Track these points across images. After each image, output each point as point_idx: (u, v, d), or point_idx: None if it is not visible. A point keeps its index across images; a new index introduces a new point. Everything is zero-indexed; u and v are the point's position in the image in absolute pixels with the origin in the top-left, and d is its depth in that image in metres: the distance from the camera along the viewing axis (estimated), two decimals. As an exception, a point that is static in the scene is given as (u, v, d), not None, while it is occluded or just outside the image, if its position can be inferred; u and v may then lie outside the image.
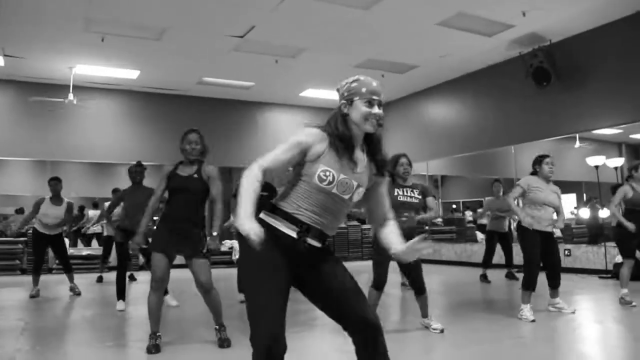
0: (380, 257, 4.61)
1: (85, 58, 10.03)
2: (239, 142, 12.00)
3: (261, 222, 2.16)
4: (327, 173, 2.16)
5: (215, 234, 4.21)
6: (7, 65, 10.25)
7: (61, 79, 10.79)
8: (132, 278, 9.19)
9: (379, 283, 4.70)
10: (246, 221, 1.94)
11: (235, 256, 10.38)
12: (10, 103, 11.35)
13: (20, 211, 13.63)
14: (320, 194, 2.19)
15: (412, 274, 4.76)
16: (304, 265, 2.21)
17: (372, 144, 2.30)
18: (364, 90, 2.22)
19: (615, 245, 6.73)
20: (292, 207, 2.20)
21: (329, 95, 11.79)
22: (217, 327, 4.35)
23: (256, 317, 2.09)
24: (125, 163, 12.83)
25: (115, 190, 9.22)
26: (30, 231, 10.55)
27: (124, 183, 9.90)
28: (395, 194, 4.76)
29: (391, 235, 2.33)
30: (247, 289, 2.22)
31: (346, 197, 2.21)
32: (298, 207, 2.19)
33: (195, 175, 4.28)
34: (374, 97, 2.21)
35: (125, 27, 8.58)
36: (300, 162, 2.20)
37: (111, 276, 9.58)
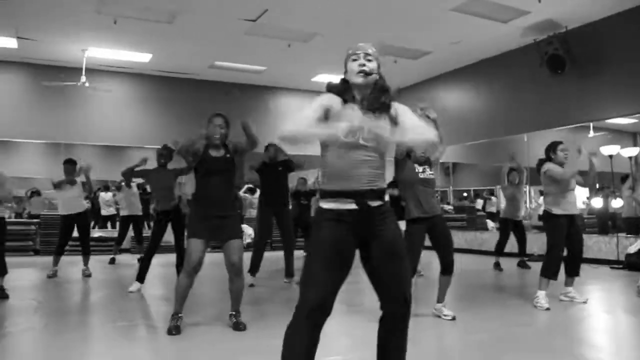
0: (413, 244, 4.56)
1: (98, 41, 10.04)
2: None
3: (321, 210, 2.35)
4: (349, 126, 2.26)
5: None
6: (20, 48, 10.28)
7: (74, 61, 10.81)
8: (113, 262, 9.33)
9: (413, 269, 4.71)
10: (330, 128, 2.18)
11: (247, 240, 10.45)
12: (23, 85, 11.39)
13: (36, 193, 13.74)
14: (350, 153, 2.28)
15: (443, 251, 4.67)
16: (368, 233, 2.32)
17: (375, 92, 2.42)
18: (350, 51, 2.43)
19: (627, 235, 6.68)
20: (334, 183, 2.32)
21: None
22: (233, 312, 4.36)
23: (306, 284, 2.27)
24: (136, 146, 12.95)
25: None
26: (44, 213, 10.78)
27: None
28: (416, 170, 4.73)
29: None
30: (306, 259, 2.34)
31: (370, 144, 2.29)
32: (338, 177, 2.32)
33: (228, 155, 4.30)
34: (357, 52, 2.41)
35: (137, 10, 8.57)
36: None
37: (123, 258, 9.69)
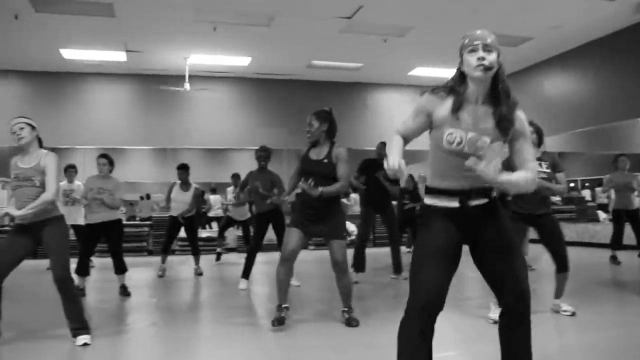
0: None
1: (199, 48, 10.42)
2: (350, 124, 11.95)
3: (428, 207, 2.33)
4: (454, 135, 2.22)
5: (320, 189, 4.13)
6: (128, 60, 10.87)
7: (177, 69, 11.28)
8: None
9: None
10: (392, 156, 2.18)
11: (350, 237, 10.42)
12: (131, 95, 12.08)
13: (146, 197, 14.49)
14: (455, 157, 2.23)
15: (556, 247, 4.45)
16: (474, 230, 2.29)
17: (498, 96, 2.28)
18: (467, 41, 2.26)
19: None
20: (440, 180, 2.30)
21: (439, 73, 11.52)
22: (346, 309, 4.38)
23: (417, 280, 2.23)
24: (237, 148, 13.32)
25: (234, 176, 9.49)
26: (155, 215, 11.31)
27: (238, 168, 10.31)
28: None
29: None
30: (414, 255, 2.31)
31: (480, 153, 2.19)
32: (443, 176, 2.29)
33: (325, 160, 4.27)
34: (476, 42, 2.23)
35: (235, 15, 8.80)
36: (429, 128, 2.33)
37: (229, 257, 9.99)
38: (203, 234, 11.84)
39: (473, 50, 2.22)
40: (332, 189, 4.16)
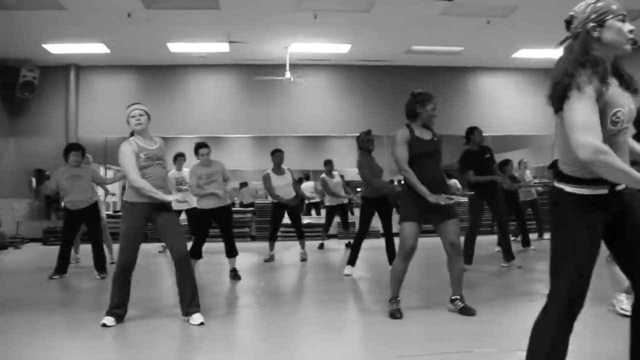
0: None
1: (299, 36, 10.50)
2: (450, 109, 11.65)
3: (570, 196, 2.12)
4: (619, 113, 2.03)
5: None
6: (231, 51, 11.14)
7: (278, 58, 11.42)
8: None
9: None
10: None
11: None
12: (234, 85, 12.44)
13: (244, 185, 14.94)
14: (613, 138, 2.05)
15: None
16: (619, 216, 2.15)
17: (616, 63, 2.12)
18: (614, 7, 2.05)
19: None
20: (587, 170, 2.03)
21: (545, 54, 11.02)
22: (458, 297, 4.25)
23: (565, 274, 2.10)
24: (336, 136, 13.40)
25: (328, 162, 9.50)
26: (257, 202, 11.61)
27: (333, 155, 10.38)
28: None
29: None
30: (561, 248, 2.16)
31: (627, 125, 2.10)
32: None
33: (435, 139, 4.29)
34: (623, 12, 2.04)
35: (335, 2, 8.79)
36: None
37: (330, 244, 10.08)
38: (304, 220, 12.03)
39: (623, 21, 2.04)
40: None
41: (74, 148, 6.69)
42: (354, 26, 9.88)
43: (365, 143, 6.42)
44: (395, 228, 5.28)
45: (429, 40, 10.91)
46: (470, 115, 11.68)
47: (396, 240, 4.62)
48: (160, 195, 4.00)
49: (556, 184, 2.18)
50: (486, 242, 8.17)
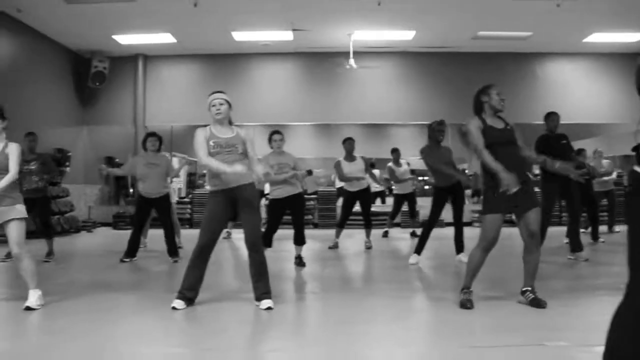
0: None
1: (363, 24, 10.44)
2: (518, 97, 11.29)
3: None
4: None
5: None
6: (295, 39, 11.19)
7: (341, 46, 11.39)
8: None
9: None
10: None
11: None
12: (297, 73, 12.52)
13: (308, 173, 14.96)
14: None
15: None
16: None
17: None
18: None
19: None
20: None
21: (619, 38, 10.57)
22: (529, 289, 4.13)
23: None
24: (400, 124, 13.28)
25: (395, 150, 9.43)
26: (320, 189, 11.65)
27: (397, 143, 10.26)
28: None
29: None
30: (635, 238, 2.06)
31: None
32: None
33: (509, 127, 4.15)
34: None
35: (401, -13, 8.69)
36: None
37: (393, 232, 10.01)
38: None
39: None
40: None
41: (152, 135, 6.97)
42: (419, 12, 9.75)
43: (435, 133, 6.34)
44: (466, 217, 5.17)
45: (497, 25, 10.63)
46: (540, 103, 11.30)
47: (465, 230, 4.54)
48: (224, 168, 4.01)
49: (636, 168, 2.06)
50: (557, 233, 7.91)
